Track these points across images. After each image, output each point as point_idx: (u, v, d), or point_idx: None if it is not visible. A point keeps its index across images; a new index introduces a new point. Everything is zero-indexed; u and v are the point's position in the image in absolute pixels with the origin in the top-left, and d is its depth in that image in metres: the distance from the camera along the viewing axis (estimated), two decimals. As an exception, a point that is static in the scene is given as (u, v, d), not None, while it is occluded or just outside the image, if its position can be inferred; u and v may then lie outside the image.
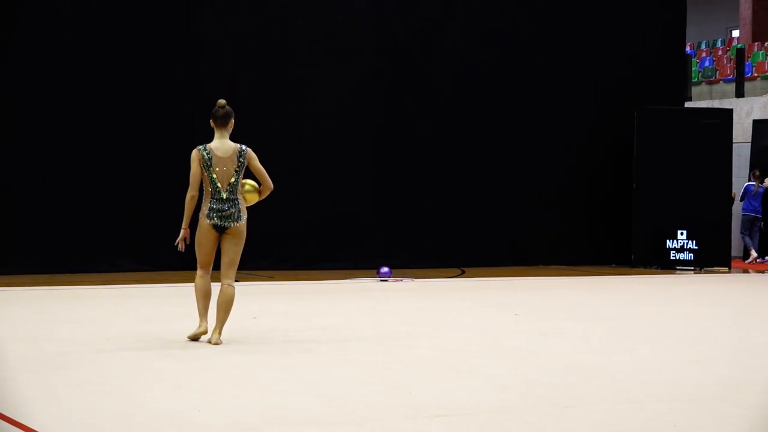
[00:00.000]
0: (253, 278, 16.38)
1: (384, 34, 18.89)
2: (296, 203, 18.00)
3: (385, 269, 16.55)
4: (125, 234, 17.05)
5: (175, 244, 9.42)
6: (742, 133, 23.64)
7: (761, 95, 25.42)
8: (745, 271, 20.44)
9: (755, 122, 23.47)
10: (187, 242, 9.35)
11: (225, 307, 9.27)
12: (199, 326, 9.36)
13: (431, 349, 9.20)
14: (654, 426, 6.30)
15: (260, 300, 13.42)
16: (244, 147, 9.35)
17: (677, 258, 19.91)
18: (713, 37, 35.71)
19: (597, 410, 6.73)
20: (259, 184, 9.53)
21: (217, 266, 9.42)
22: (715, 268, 19.88)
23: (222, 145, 9.30)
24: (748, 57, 28.27)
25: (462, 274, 17.97)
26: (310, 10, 18.38)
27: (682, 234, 19.87)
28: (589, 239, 20.46)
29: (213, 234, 9.29)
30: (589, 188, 20.44)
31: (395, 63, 18.98)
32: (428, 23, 19.29)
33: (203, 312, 9.39)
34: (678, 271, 19.57)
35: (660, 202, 19.91)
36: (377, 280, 16.32)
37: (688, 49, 28.04)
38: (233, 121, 9.40)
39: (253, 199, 9.49)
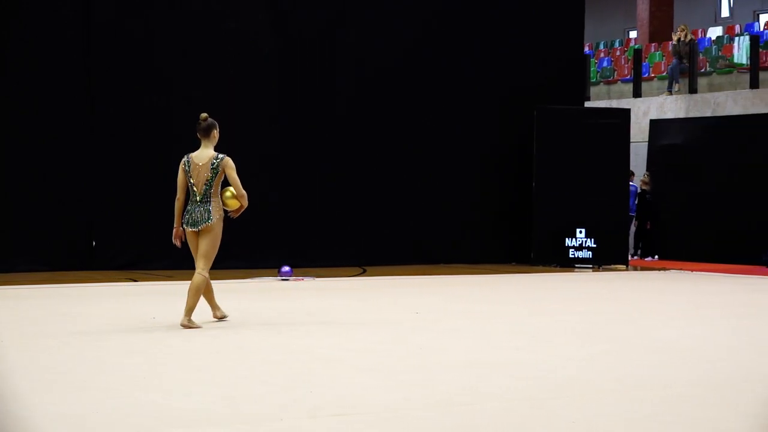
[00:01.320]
0: (153, 278, 16.24)
1: (284, 33, 18.83)
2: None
3: (286, 268, 16.49)
4: (20, 234, 16.78)
5: (173, 241, 10.74)
6: (639, 133, 23.96)
7: (658, 95, 25.80)
8: (642, 268, 20.71)
9: (652, 122, 23.79)
10: (183, 239, 10.68)
11: (192, 293, 10.36)
12: (214, 314, 10.80)
13: (332, 348, 9.19)
14: (553, 422, 6.35)
15: (159, 300, 13.30)
16: (220, 156, 10.47)
17: (576, 256, 20.13)
18: (611, 37, 36.14)
19: (497, 407, 6.77)
20: None
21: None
22: (613, 266, 20.12)
23: (201, 153, 10.52)
24: (645, 58, 28.65)
25: (363, 273, 17.97)
26: (209, 9, 18.28)
27: (580, 232, 20.09)
28: (489, 238, 20.58)
29: (192, 234, 10.58)
30: (490, 187, 20.56)
31: (296, 62, 18.91)
32: (328, 24, 19.26)
33: (211, 304, 10.78)
34: (577, 269, 19.78)
35: (559, 200, 20.11)
36: (278, 279, 16.26)
37: (586, 49, 28.36)
38: (216, 132, 10.65)
39: (234, 204, 10.55)
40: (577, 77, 22.19)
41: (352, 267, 18.65)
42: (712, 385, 7.69)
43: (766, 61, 24.89)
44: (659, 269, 20.12)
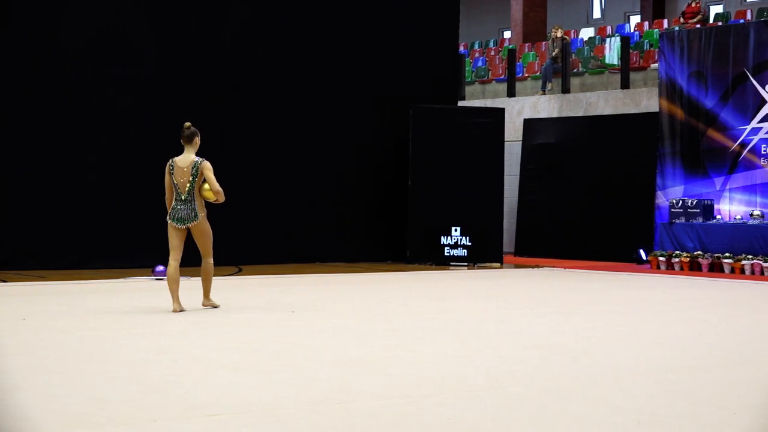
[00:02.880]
0: (23, 278, 15.94)
1: (160, 30, 18.66)
2: (72, 200, 17.62)
3: (160, 268, 16.31)
4: None
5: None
6: (513, 132, 24.24)
7: (531, 95, 26.12)
8: (516, 266, 20.93)
9: (526, 121, 24.10)
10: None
11: (205, 277, 12.10)
12: (173, 307, 11.76)
13: (206, 348, 9.12)
14: (428, 419, 6.37)
15: (30, 300, 13.07)
16: (199, 160, 11.77)
17: (451, 254, 20.29)
18: (486, 37, 36.49)
19: (372, 405, 6.77)
20: None
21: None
22: (488, 264, 20.32)
23: (184, 158, 11.82)
24: (519, 58, 28.99)
25: (239, 272, 17.87)
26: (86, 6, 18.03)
27: (456, 230, 20.25)
28: (365, 236, 20.66)
29: (176, 229, 11.80)
30: (367, 186, 20.63)
31: (174, 59, 18.74)
32: (203, 22, 19.12)
33: (173, 295, 11.79)
34: (452, 267, 19.92)
35: (434, 199, 20.25)
36: (152, 279, 16.09)
37: (461, 49, 28.57)
38: (197, 138, 11.87)
39: (211, 196, 11.73)
40: (452, 76, 22.38)
41: (228, 266, 18.53)
42: (583, 381, 7.79)
43: (636, 61, 25.36)
44: (533, 267, 20.36)
